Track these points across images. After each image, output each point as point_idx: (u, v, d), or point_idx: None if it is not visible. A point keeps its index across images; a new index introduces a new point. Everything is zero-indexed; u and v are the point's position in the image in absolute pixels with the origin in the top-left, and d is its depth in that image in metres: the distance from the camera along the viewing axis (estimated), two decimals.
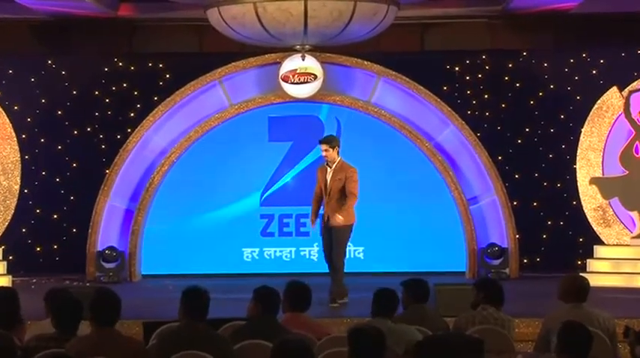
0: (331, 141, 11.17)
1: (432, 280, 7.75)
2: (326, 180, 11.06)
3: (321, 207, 11.15)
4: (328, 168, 11.10)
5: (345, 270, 11.17)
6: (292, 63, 13.26)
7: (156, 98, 13.86)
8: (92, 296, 5.87)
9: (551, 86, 14.19)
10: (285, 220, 14.14)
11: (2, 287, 7.05)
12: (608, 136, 13.42)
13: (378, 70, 13.60)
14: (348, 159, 11.80)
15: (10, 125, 13.60)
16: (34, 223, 14.09)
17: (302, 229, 14.03)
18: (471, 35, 14.48)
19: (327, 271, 11.30)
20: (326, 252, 11.16)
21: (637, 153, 13.23)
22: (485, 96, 14.26)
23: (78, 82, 14.17)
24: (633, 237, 13.15)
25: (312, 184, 11.47)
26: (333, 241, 11.04)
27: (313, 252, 14.07)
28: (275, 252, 14.09)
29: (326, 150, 11.09)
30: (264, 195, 14.11)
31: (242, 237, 14.03)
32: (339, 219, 10.89)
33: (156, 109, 13.58)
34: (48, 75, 14.15)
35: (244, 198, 14.09)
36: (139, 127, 13.57)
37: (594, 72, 14.07)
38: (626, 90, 13.38)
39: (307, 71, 13.28)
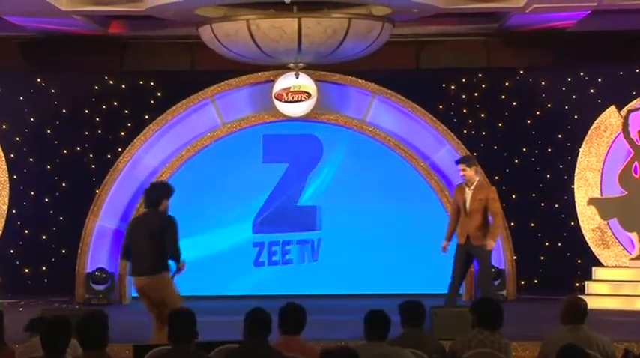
0: (468, 160, 11.20)
1: (427, 303, 7.73)
2: (464, 200, 11.03)
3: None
4: (467, 188, 11.05)
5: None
6: (286, 81, 13.28)
7: (147, 117, 13.87)
8: (80, 318, 5.84)
9: (549, 105, 14.21)
10: (273, 248, 14.08)
11: None
12: (606, 156, 13.44)
13: (372, 88, 13.61)
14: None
15: None
16: (22, 244, 14.05)
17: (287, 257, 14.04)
18: (467, 53, 14.51)
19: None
20: (457, 272, 11.10)
21: (636, 174, 13.24)
22: (482, 115, 14.27)
23: (68, 100, 14.16)
24: (632, 259, 13.15)
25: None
26: (481, 264, 11.11)
27: (306, 273, 14.03)
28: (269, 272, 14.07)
29: (463, 170, 11.07)
30: (259, 219, 14.05)
31: (233, 258, 13.99)
32: (491, 244, 10.94)
33: (147, 128, 13.58)
34: (37, 93, 14.15)
35: (236, 223, 14.01)
36: (129, 146, 13.56)
37: (592, 91, 14.09)
38: (625, 109, 13.41)
39: (301, 89, 13.30)
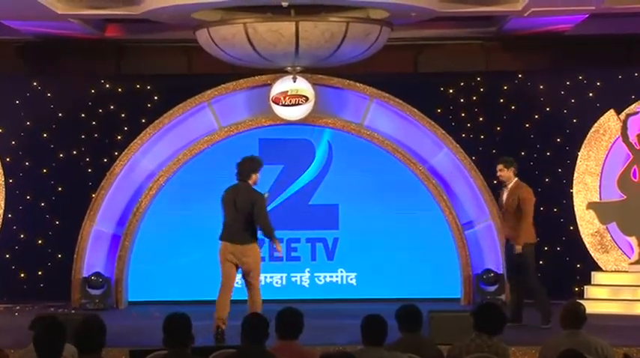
0: (506, 161, 11.61)
1: (426, 307, 7.73)
2: (502, 201, 11.58)
3: None
4: (505, 189, 11.58)
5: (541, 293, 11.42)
6: (283, 85, 13.27)
7: (144, 120, 13.86)
8: (75, 324, 5.83)
9: (547, 109, 14.21)
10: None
11: None
12: (605, 160, 13.45)
13: (370, 92, 13.61)
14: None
15: None
16: (18, 249, 14.03)
17: (293, 254, 14.01)
18: (466, 57, 14.51)
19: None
20: (509, 272, 11.71)
21: (635, 178, 13.25)
22: (480, 118, 14.27)
23: (64, 103, 14.15)
24: (631, 263, 13.16)
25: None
26: (520, 265, 11.39)
27: (305, 278, 14.05)
28: (265, 278, 14.04)
29: (500, 170, 11.58)
30: None
31: None
32: (517, 248, 11.29)
33: (144, 132, 13.57)
34: (33, 97, 14.13)
35: None
36: (126, 150, 13.55)
37: (591, 94, 14.09)
38: (624, 113, 13.42)
39: (298, 93, 13.29)
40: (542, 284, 11.51)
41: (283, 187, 14.05)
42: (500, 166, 11.61)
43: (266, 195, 10.76)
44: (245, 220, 10.50)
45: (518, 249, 11.28)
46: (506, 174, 11.56)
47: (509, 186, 11.51)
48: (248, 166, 10.66)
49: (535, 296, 11.47)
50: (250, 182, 10.61)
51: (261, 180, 13.78)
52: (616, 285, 13.02)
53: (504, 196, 11.55)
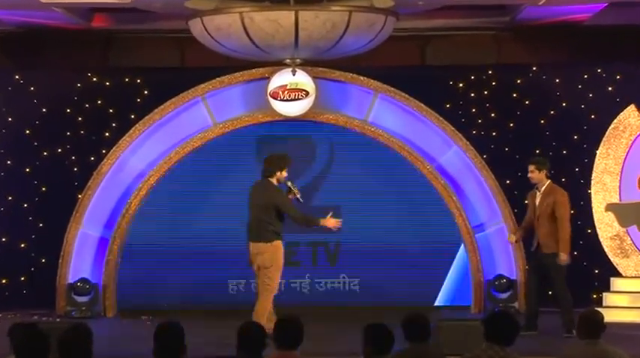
0: (539, 162, 11.57)
1: (434, 315, 7.73)
2: (535, 205, 11.48)
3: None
4: (537, 192, 11.49)
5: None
6: (282, 78, 13.27)
7: (133, 116, 13.86)
8: (60, 333, 5.82)
9: (564, 104, 14.21)
10: None
11: None
12: (625, 159, 13.44)
13: (375, 86, 13.61)
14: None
15: None
16: None
17: (292, 258, 14.02)
18: (477, 48, 14.51)
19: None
20: (531, 280, 11.61)
21: None
22: (492, 114, 14.27)
23: (48, 98, 14.16)
24: None
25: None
26: (552, 272, 11.42)
27: (305, 283, 14.05)
28: None
29: (532, 171, 11.52)
30: None
31: (227, 267, 13.99)
32: (563, 257, 11.32)
33: (133, 129, 13.57)
34: (15, 91, 14.14)
35: (229, 224, 14.05)
36: (114, 148, 13.56)
37: (610, 88, 14.10)
38: None
39: (298, 87, 13.29)
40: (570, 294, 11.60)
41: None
42: (531, 167, 11.58)
43: (289, 184, 11.14)
44: (260, 217, 10.92)
45: (564, 257, 11.34)
46: (537, 176, 11.53)
47: (542, 189, 11.49)
48: (271, 163, 11.09)
49: (562, 305, 11.48)
50: (273, 179, 11.03)
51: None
52: (636, 292, 13.02)
53: (537, 200, 11.51)
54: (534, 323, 11.40)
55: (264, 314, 10.67)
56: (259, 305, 10.82)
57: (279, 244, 10.93)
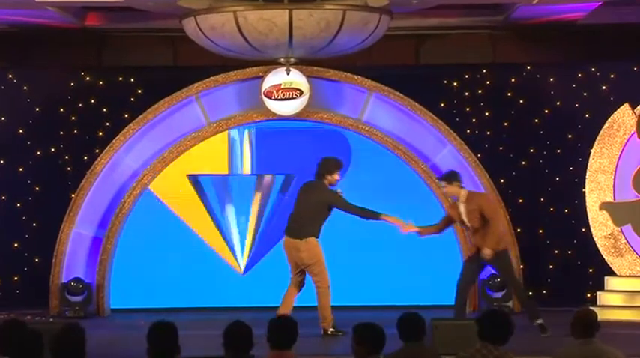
0: (446, 177, 11.52)
1: (428, 314, 7.72)
2: (461, 216, 11.38)
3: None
4: (459, 203, 11.39)
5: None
6: (276, 77, 13.27)
7: (126, 115, 13.85)
8: (53, 332, 5.81)
9: (558, 103, 14.22)
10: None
11: None
12: (619, 157, 13.44)
13: (369, 85, 13.61)
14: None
15: None
16: None
17: None
18: (471, 47, 14.52)
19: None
20: (461, 282, 11.39)
21: None
22: (486, 113, 14.28)
23: (41, 97, 14.14)
24: None
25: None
26: (500, 271, 11.75)
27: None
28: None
29: (444, 187, 11.53)
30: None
31: (221, 268, 13.97)
32: (486, 252, 11.16)
33: (127, 128, 13.56)
34: (8, 90, 14.13)
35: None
36: (108, 148, 13.54)
37: (604, 87, 14.11)
38: (639, 107, 13.42)
39: (292, 86, 13.29)
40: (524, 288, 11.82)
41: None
42: (443, 183, 11.53)
43: (338, 191, 11.46)
44: (303, 214, 11.32)
45: (487, 253, 11.12)
46: (452, 189, 11.39)
47: (462, 199, 11.32)
48: (324, 166, 11.42)
49: (519, 298, 11.81)
50: (325, 182, 11.36)
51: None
52: (631, 291, 13.02)
53: (461, 210, 11.31)
54: (463, 314, 11.31)
55: (328, 313, 11.27)
56: (320, 305, 11.29)
57: (313, 240, 11.25)
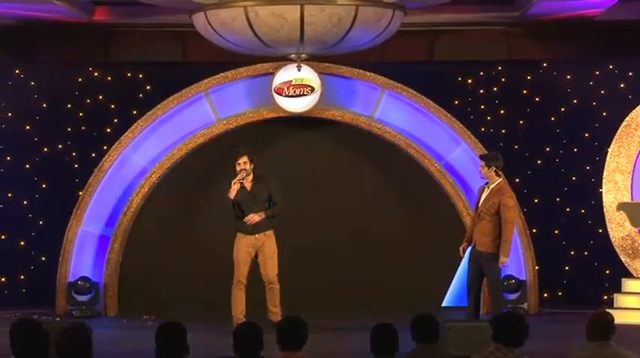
0: (488, 158, 11.34)
1: (441, 316, 7.73)
2: (479, 200, 11.22)
3: None
4: (486, 189, 11.22)
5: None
6: (287, 74, 13.28)
7: (135, 112, 13.87)
8: (59, 332, 5.81)
9: (575, 101, 14.20)
10: None
11: None
12: (637, 157, 13.44)
13: (382, 81, 13.61)
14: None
15: None
16: None
17: None
18: (486, 44, 14.51)
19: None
20: (469, 281, 11.24)
21: None
22: (501, 111, 14.27)
23: (48, 93, 14.17)
24: None
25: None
26: (486, 270, 11.12)
27: None
28: None
29: (481, 167, 11.28)
30: None
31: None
32: (504, 260, 11.00)
33: (135, 124, 13.58)
34: (15, 86, 14.16)
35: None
36: (116, 144, 13.56)
37: (622, 85, 14.09)
38: None
39: (303, 83, 13.29)
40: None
41: None
42: (481, 163, 11.33)
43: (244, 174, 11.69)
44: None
45: (504, 260, 11.03)
46: (487, 172, 11.18)
47: (491, 186, 11.14)
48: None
49: (493, 304, 11.39)
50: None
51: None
52: None
53: (483, 196, 11.17)
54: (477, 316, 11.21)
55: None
56: None
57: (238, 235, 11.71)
